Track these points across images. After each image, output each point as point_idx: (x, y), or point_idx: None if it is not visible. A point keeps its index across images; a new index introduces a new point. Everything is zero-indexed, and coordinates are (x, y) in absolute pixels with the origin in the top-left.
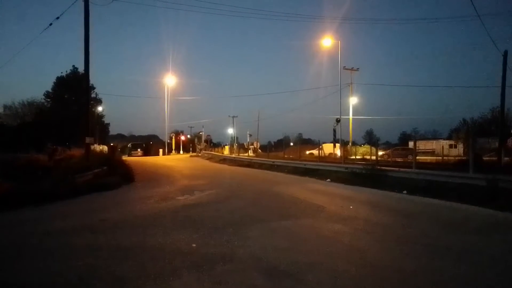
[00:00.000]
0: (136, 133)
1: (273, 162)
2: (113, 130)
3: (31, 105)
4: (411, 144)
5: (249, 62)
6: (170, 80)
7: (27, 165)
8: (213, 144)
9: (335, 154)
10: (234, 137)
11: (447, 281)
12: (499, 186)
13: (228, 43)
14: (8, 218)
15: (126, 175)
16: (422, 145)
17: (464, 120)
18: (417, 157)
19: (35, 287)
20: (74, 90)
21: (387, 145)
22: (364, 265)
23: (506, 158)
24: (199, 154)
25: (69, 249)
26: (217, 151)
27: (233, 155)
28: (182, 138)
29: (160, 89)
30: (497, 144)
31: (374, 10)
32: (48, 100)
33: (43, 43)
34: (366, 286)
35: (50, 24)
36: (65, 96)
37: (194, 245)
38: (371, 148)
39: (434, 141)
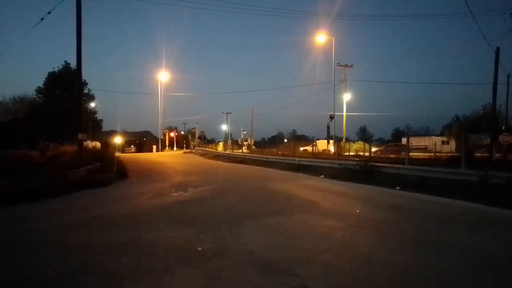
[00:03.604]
0: (130, 129)
1: (267, 158)
2: (106, 127)
3: (22, 101)
4: (404, 140)
5: (242, 59)
6: (163, 76)
7: (19, 161)
8: (207, 141)
9: (329, 151)
10: (228, 133)
11: (439, 275)
12: (491, 182)
13: (222, 39)
14: (0, 214)
15: (120, 171)
16: (415, 141)
17: (456, 116)
18: (410, 154)
19: (28, 283)
20: (66, 86)
21: (380, 142)
22: (357, 260)
23: (497, 154)
24: (193, 151)
25: (62, 245)
26: (211, 148)
27: (227, 152)
28: (176, 134)
29: (154, 85)
30: (489, 140)
31: (368, 6)
32: (40, 96)
33: (34, 38)
34: (359, 281)
35: (42, 19)
36: (57, 92)
37: (188, 241)
38: (364, 145)
39: (427, 138)
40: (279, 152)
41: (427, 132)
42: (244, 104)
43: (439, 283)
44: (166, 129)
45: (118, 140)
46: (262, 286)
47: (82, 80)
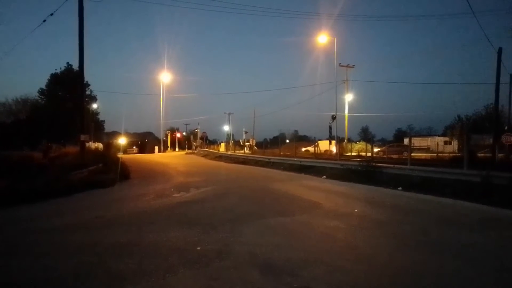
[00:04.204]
0: (132, 130)
1: (269, 159)
2: (108, 128)
3: (25, 102)
4: (406, 141)
5: (244, 59)
6: (165, 77)
7: (21, 162)
8: (208, 141)
9: (331, 151)
10: (230, 134)
11: (442, 276)
12: (493, 182)
13: (224, 40)
14: (2, 215)
15: (122, 172)
16: (417, 141)
17: (458, 116)
18: (412, 154)
19: (30, 284)
20: (69, 87)
21: (382, 142)
22: (359, 261)
23: (500, 155)
24: (195, 151)
25: (64, 246)
26: (213, 148)
27: (229, 152)
28: (178, 135)
29: (156, 86)
30: (491, 140)
31: (370, 7)
32: (42, 97)
33: (37, 40)
34: (361, 281)
35: (44, 21)
36: (59, 93)
37: (190, 242)
38: (366, 145)
39: (429, 138)
40: (281, 153)
41: (429, 133)
42: (246, 104)
43: (440, 283)
44: (168, 130)
45: (120, 141)
46: (265, 287)
47: (84, 81)
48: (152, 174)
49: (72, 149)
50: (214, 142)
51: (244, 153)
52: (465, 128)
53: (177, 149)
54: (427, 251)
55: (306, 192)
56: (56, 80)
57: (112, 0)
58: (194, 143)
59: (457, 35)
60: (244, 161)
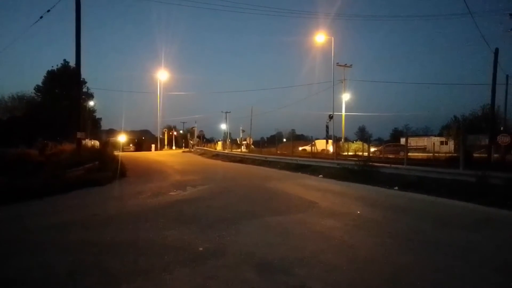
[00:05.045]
0: (129, 128)
1: (266, 158)
2: (105, 125)
3: (21, 99)
4: (402, 140)
5: (242, 58)
6: (162, 75)
7: (17, 160)
8: (205, 140)
9: (328, 150)
10: (227, 132)
11: (438, 276)
12: (489, 182)
13: (222, 38)
14: None
15: (118, 170)
16: (413, 141)
17: (455, 117)
18: (409, 154)
19: (26, 282)
20: (65, 84)
21: (379, 142)
22: (355, 260)
23: (495, 155)
24: (192, 150)
25: (60, 244)
26: (210, 147)
27: (226, 151)
28: (175, 133)
29: (153, 84)
30: (487, 141)
31: (368, 6)
32: (39, 94)
33: (34, 37)
34: (357, 280)
35: (41, 17)
36: (56, 91)
37: (186, 240)
38: (363, 145)
39: (426, 138)
40: (278, 152)
41: (426, 133)
42: (243, 103)
43: (436, 283)
44: (165, 128)
45: (117, 138)
46: (261, 286)
47: (81, 79)
48: (149, 172)
49: (68, 146)
50: (211, 141)
51: (241, 151)
52: (461, 128)
53: (174, 147)
54: (423, 250)
55: (302, 191)
56: (52, 77)
57: None
58: (191, 142)
59: (455, 36)
60: (241, 159)
